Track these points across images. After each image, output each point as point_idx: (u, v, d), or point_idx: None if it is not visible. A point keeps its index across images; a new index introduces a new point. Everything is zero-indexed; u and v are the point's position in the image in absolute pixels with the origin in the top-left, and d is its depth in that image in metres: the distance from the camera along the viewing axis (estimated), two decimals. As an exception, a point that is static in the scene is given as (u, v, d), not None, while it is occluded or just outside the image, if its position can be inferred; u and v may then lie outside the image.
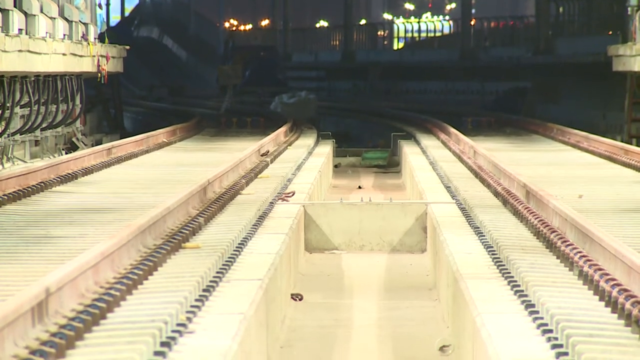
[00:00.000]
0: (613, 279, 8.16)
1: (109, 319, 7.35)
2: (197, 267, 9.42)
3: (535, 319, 7.47)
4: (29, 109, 24.93)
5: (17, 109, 24.12)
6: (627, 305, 7.31)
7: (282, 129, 30.61)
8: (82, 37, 29.20)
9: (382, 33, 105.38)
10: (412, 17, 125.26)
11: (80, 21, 29.11)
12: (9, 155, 23.41)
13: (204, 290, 8.52)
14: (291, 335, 10.57)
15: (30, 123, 25.07)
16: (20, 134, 24.51)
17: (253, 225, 12.93)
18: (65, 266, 7.83)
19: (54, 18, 26.40)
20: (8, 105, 23.14)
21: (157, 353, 6.43)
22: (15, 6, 23.30)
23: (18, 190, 15.77)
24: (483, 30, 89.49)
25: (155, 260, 9.54)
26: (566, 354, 6.22)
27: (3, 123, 22.74)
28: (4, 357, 5.90)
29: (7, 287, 8.42)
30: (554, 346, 6.47)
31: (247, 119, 39.92)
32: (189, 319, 7.42)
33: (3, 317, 6.15)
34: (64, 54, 26.89)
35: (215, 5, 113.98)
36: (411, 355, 9.74)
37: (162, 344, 6.68)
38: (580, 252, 9.63)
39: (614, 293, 7.74)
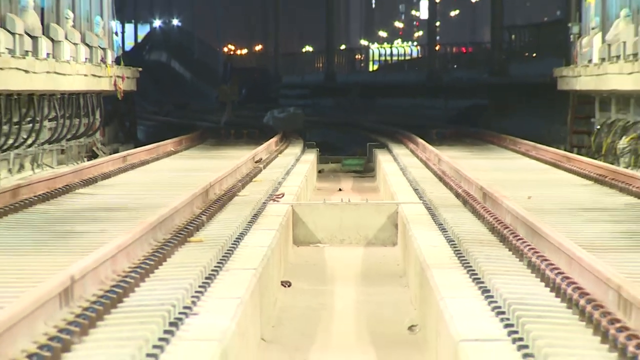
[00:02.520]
0: (557, 268, 8.20)
1: (125, 303, 7.38)
2: (200, 258, 9.44)
3: (491, 302, 7.51)
4: (55, 122, 24.89)
5: (46, 123, 24.10)
6: (569, 291, 7.36)
7: (274, 140, 30.55)
8: (101, 60, 29.13)
9: (359, 57, 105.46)
10: (385, 43, 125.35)
11: (99, 46, 29.03)
12: (39, 162, 23.37)
13: (206, 278, 8.55)
14: (281, 315, 10.59)
15: (57, 134, 25.03)
16: (49, 144, 24.47)
17: (248, 222, 12.95)
18: (88, 257, 7.86)
19: (77, 44, 26.34)
20: (38, 119, 23.13)
21: (166, 332, 6.47)
22: (43, 34, 23.26)
23: (47, 192, 15.75)
24: (446, 54, 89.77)
25: (165, 252, 9.57)
26: (516, 332, 6.27)
27: (34, 134, 22.72)
28: (35, 335, 5.93)
29: (38, 275, 8.44)
30: (506, 325, 6.52)
31: (244, 131, 39.79)
32: (193, 303, 7.47)
33: (34, 301, 6.17)
34: (85, 75, 26.86)
35: (215, 32, 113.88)
36: (384, 332, 9.76)
37: (171, 323, 6.72)
38: (529, 245, 9.66)
39: (558, 280, 7.78)
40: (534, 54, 69.91)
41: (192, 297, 7.64)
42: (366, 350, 9.12)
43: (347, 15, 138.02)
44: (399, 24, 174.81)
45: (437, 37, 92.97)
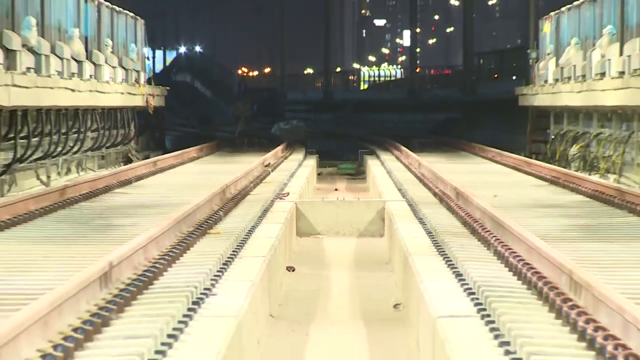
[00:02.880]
0: (518, 255, 8.19)
1: (155, 285, 7.37)
2: (218, 247, 9.42)
3: (463, 284, 7.50)
4: (97, 133, 24.91)
5: (89, 133, 24.10)
6: (529, 275, 7.35)
7: (280, 147, 30.54)
8: (135, 80, 29.11)
9: (352, 78, 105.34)
10: (374, 66, 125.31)
11: (134, 69, 29.01)
12: (83, 166, 23.36)
13: (223, 264, 8.53)
14: (286, 296, 10.57)
15: (98, 143, 25.02)
16: (91, 151, 24.46)
17: (259, 217, 12.92)
18: (123, 246, 7.85)
19: (115, 67, 26.34)
20: (82, 130, 23.17)
21: (189, 309, 6.47)
22: (87, 59, 23.28)
23: (89, 191, 15.73)
24: (425, 76, 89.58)
25: (188, 242, 9.55)
26: (485, 309, 6.27)
27: (79, 143, 22.77)
28: (80, 312, 5.92)
29: (82, 262, 8.41)
30: (476, 304, 6.51)
31: (255, 140, 39.87)
32: (212, 285, 7.45)
33: (79, 284, 6.17)
34: (122, 93, 26.86)
35: (231, 57, 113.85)
36: (373, 310, 9.75)
37: (194, 302, 6.73)
38: (495, 236, 9.64)
39: (519, 266, 7.77)
40: (499, 76, 69.87)
41: (211, 280, 7.64)
42: (358, 325, 9.12)
43: (342, 42, 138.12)
44: (385, 50, 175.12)
45: (418, 61, 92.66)
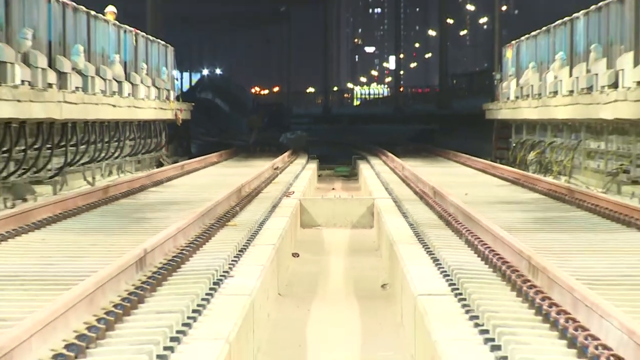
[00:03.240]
0: (485, 244, 8.17)
1: (182, 269, 7.36)
2: (235, 237, 9.40)
3: (439, 268, 7.49)
4: (134, 141, 24.93)
5: (127, 142, 24.13)
6: (494, 260, 7.34)
7: (286, 154, 30.45)
8: (165, 97, 29.12)
9: (347, 95, 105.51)
10: (365, 85, 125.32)
11: (164, 88, 29.02)
12: (122, 169, 23.35)
13: (239, 251, 8.52)
14: (292, 278, 10.55)
15: (135, 150, 25.01)
16: (129, 157, 24.45)
17: (269, 211, 12.89)
18: (156, 236, 7.84)
19: (149, 86, 26.34)
20: (122, 139, 23.21)
21: (211, 289, 6.46)
22: (125, 79, 23.32)
23: (127, 190, 15.75)
24: (407, 94, 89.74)
25: (210, 233, 9.53)
26: (457, 289, 6.25)
27: (119, 150, 22.84)
28: (119, 290, 5.91)
29: (121, 249, 8.41)
30: (450, 284, 6.51)
31: (266, 148, 39.79)
32: (230, 268, 7.44)
33: (118, 267, 6.17)
34: (155, 108, 26.85)
35: (246, 78, 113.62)
36: (364, 289, 9.73)
37: (214, 283, 6.71)
38: (466, 227, 9.64)
39: (486, 252, 7.75)
40: (469, 94, 69.98)
41: (229, 264, 7.61)
42: (352, 301, 9.11)
43: (338, 66, 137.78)
44: (374, 72, 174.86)
45: (401, 82, 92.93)
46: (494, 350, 4.79)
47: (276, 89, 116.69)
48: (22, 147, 15.84)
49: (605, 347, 4.43)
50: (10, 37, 15.14)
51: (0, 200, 14.18)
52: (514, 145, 28.99)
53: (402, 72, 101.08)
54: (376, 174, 22.58)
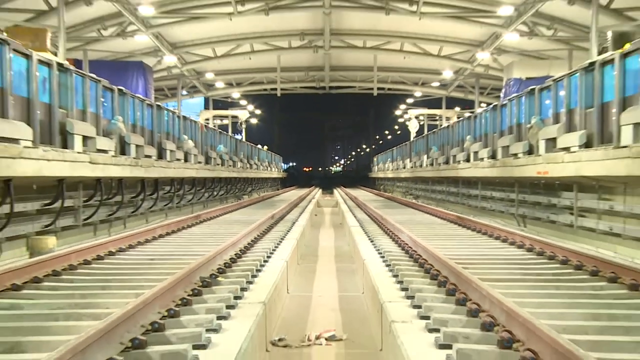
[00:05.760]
0: (400, 239, 6.67)
1: (245, 256, 5.94)
2: (275, 236, 7.92)
3: (375, 247, 6.15)
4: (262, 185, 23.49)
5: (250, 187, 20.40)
6: (405, 247, 6.09)
7: (313, 187, 29.93)
8: (277, 169, 29.23)
9: (329, 169, 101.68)
10: (337, 164, 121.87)
11: (278, 167, 29.61)
12: (258, 193, 20.50)
13: (277, 243, 7.06)
14: (305, 251, 9.13)
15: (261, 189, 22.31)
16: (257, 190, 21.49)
17: (301, 212, 11.28)
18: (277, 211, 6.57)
19: (270, 166, 25.80)
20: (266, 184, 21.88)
21: (264, 261, 5.07)
22: (268, 165, 22.47)
23: (266, 197, 14.56)
24: (348, 169, 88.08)
25: (260, 235, 8.12)
26: (390, 265, 4.72)
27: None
28: (261, 230, 4.62)
29: (266, 212, 7.17)
30: (387, 265, 4.91)
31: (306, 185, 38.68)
32: (274, 250, 5.85)
33: (265, 218, 4.90)
34: (274, 173, 26.76)
35: (301, 162, 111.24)
36: (342, 254, 8.36)
37: (267, 256, 5.41)
38: (382, 224, 8.41)
39: (403, 244, 6.32)
40: (365, 169, 68.19)
41: (274, 247, 6.20)
42: (335, 259, 7.82)
43: (325, 153, 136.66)
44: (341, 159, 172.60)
45: (345, 166, 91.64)
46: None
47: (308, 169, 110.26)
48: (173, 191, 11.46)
49: (475, 303, 3.10)
50: (176, 141, 11.63)
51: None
52: (379, 183, 29.80)
53: (347, 162, 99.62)
54: (339, 193, 22.98)
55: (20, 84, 5.30)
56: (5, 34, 5.81)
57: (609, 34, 7.55)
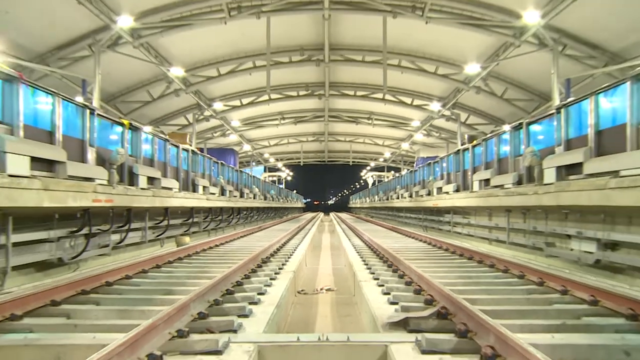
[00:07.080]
0: (363, 238, 6.60)
1: (280, 251, 5.22)
2: (297, 239, 7.32)
3: (352, 243, 6.04)
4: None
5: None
6: (374, 246, 6.01)
7: (319, 213, 27.96)
8: (296, 200, 25.05)
9: (326, 202, 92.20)
10: (333, 197, 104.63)
11: (295, 199, 24.62)
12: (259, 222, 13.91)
13: (298, 245, 6.48)
14: (313, 243, 8.02)
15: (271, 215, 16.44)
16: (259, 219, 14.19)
17: (305, 234, 9.82)
18: (276, 239, 6.34)
19: (287, 199, 20.29)
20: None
21: (293, 250, 5.18)
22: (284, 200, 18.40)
23: (292, 218, 14.12)
24: (338, 201, 75.58)
25: (290, 237, 7.64)
26: (359, 253, 4.69)
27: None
28: (283, 235, 4.91)
29: (263, 244, 6.51)
30: (358, 252, 4.82)
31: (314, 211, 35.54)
32: (297, 246, 5.78)
33: (261, 251, 4.79)
34: (295, 203, 21.72)
35: (306, 192, 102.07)
36: (336, 246, 7.70)
37: (293, 250, 5.40)
38: (358, 233, 7.68)
39: (369, 243, 6.14)
40: (350, 201, 64.76)
41: (298, 244, 6.05)
42: (330, 249, 7.29)
43: (325, 194, 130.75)
44: (333, 197, 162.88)
45: (340, 198, 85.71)
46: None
47: (316, 203, 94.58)
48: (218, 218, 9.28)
49: (402, 271, 3.58)
50: (248, 188, 11.59)
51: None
52: (354, 211, 27.14)
53: (337, 199, 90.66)
54: (334, 216, 20.79)
55: (173, 161, 6.75)
56: (167, 136, 7.55)
57: (466, 136, 10.33)
